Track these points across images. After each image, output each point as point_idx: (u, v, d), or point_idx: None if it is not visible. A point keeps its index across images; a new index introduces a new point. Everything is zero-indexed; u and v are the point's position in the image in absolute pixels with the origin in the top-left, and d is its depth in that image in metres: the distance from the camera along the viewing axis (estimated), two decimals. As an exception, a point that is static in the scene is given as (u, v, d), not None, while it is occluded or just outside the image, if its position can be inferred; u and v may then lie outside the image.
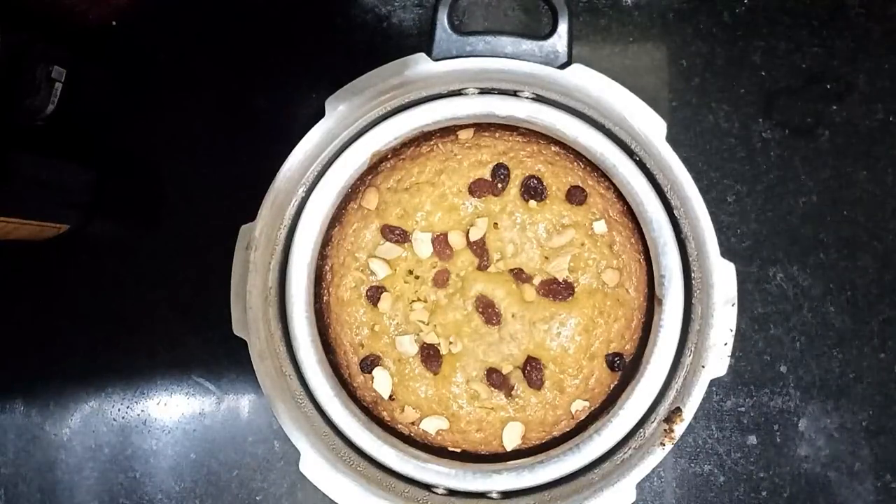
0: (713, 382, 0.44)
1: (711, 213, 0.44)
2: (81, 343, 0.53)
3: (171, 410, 0.53)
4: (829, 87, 0.54)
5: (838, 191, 0.53)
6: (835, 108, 0.54)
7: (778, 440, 0.52)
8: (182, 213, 0.54)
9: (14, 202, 0.46)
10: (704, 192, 0.45)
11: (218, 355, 0.53)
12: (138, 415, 0.53)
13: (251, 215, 0.45)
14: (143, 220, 0.55)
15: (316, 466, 0.43)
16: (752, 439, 0.52)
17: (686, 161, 0.44)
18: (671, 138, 0.45)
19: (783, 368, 0.52)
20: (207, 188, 0.53)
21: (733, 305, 0.43)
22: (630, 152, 0.45)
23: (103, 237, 0.54)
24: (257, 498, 0.52)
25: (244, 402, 0.53)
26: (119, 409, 0.53)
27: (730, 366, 0.45)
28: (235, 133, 0.54)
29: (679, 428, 0.43)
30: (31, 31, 0.48)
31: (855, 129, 0.54)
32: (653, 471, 0.43)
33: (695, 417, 0.44)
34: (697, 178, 0.45)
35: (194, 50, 0.55)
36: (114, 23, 0.54)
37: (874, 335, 0.52)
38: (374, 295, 0.46)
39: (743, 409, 0.52)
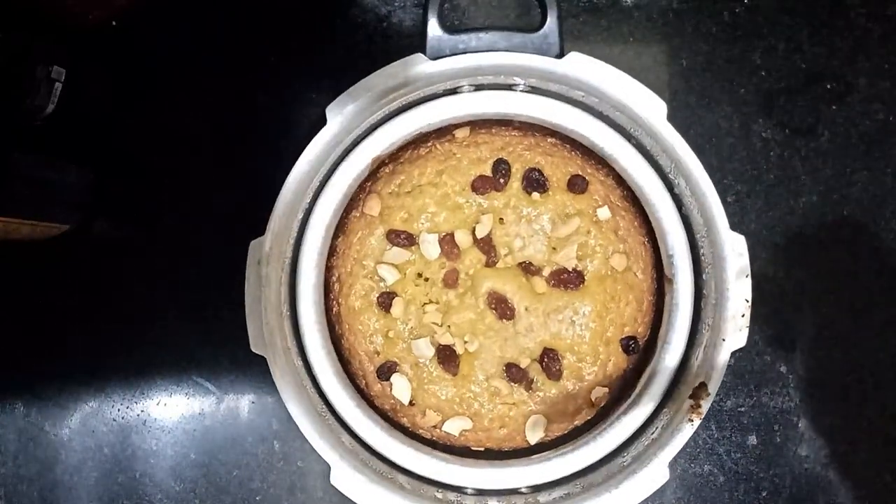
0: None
1: (711, 213, 0.44)
2: (81, 343, 0.53)
3: (170, 410, 0.53)
4: (829, 87, 0.54)
5: (838, 191, 0.53)
6: (835, 108, 0.54)
7: (778, 440, 0.52)
8: (182, 213, 0.54)
9: (14, 202, 0.46)
10: (704, 192, 0.44)
11: (218, 355, 0.53)
12: (138, 415, 0.53)
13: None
14: (143, 220, 0.55)
15: (348, 479, 0.43)
16: (752, 439, 0.52)
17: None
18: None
19: (783, 368, 0.52)
20: (207, 188, 0.53)
21: (747, 276, 0.44)
22: (629, 136, 0.45)
23: (103, 237, 0.54)
24: (257, 498, 0.52)
25: (244, 402, 0.53)
26: (119, 409, 0.53)
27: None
28: (235, 132, 0.54)
29: (705, 403, 0.43)
30: (31, 31, 0.48)
31: (855, 129, 0.53)
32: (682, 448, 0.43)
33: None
34: (697, 178, 0.44)
35: (194, 50, 0.55)
36: (114, 23, 0.54)
37: (874, 335, 0.52)
38: (386, 301, 0.46)
39: (743, 409, 0.52)
